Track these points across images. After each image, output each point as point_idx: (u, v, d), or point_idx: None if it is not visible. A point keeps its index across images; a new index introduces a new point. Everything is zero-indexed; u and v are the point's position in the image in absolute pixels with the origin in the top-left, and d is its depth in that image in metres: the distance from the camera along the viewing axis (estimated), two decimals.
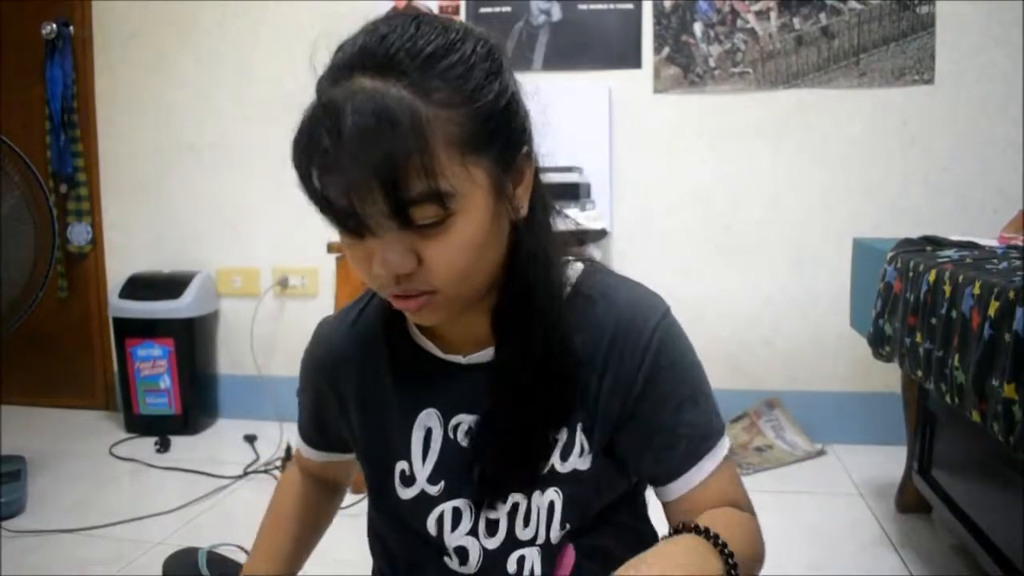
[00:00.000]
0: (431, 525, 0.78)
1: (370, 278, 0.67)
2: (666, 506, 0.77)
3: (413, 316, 0.71)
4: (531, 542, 0.76)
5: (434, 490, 0.78)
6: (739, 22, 2.50)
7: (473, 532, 0.77)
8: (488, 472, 0.75)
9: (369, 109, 0.59)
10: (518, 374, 0.73)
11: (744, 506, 0.77)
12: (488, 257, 0.69)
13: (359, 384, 0.83)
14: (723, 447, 0.76)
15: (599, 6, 2.57)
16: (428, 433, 0.79)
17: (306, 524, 0.95)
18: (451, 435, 0.78)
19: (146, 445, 2.59)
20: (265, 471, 2.34)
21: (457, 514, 0.78)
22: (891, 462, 2.17)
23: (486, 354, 0.77)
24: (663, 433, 0.75)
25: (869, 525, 1.94)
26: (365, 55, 0.63)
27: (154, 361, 2.71)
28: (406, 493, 0.79)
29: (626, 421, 0.75)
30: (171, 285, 2.73)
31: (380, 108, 0.59)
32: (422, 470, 0.79)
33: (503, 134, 0.66)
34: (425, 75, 0.62)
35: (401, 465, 0.80)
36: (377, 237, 0.64)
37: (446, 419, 0.78)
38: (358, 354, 0.83)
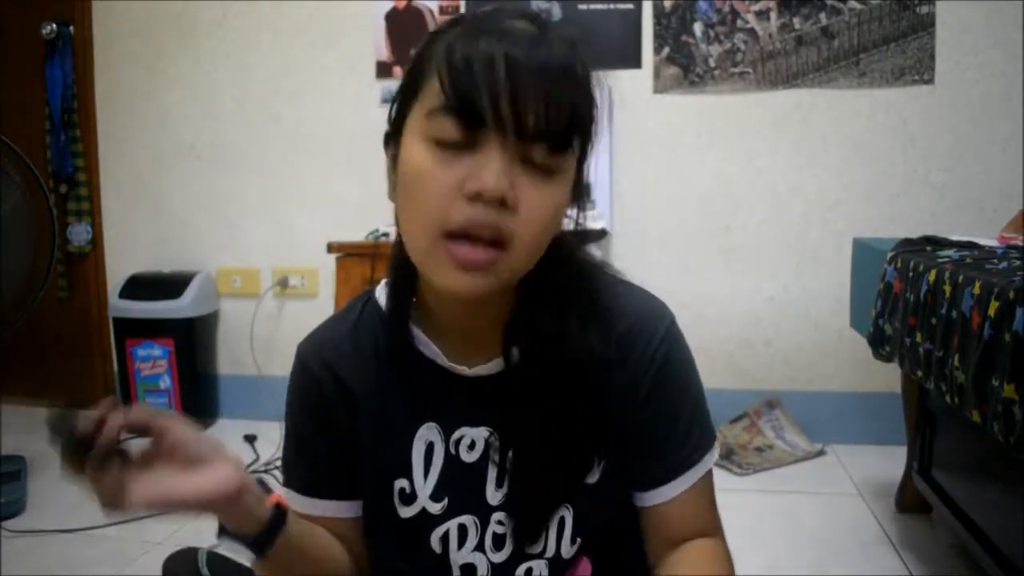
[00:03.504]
0: (435, 544, 0.76)
1: (457, 193, 0.62)
2: (640, 511, 0.78)
3: (471, 277, 0.63)
4: (539, 555, 0.75)
5: (437, 508, 0.76)
6: (739, 22, 2.50)
7: (480, 548, 0.76)
8: (523, 495, 0.73)
9: (568, 36, 0.65)
10: (539, 384, 0.71)
11: (712, 529, 0.77)
12: (548, 240, 0.68)
13: (363, 391, 0.78)
14: (709, 460, 0.77)
15: (599, 6, 2.57)
16: (429, 448, 0.76)
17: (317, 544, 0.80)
18: (452, 450, 0.76)
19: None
20: (265, 471, 2.34)
21: (463, 531, 0.76)
22: (891, 462, 2.17)
23: (492, 366, 0.74)
24: (657, 441, 0.75)
25: (869, 525, 1.94)
26: (524, 16, 0.66)
27: (154, 361, 2.71)
28: (406, 512, 0.76)
29: (626, 427, 0.75)
30: (171, 285, 2.73)
31: (574, 43, 0.65)
32: (424, 487, 0.76)
33: (592, 127, 0.69)
34: (578, 50, 0.66)
35: (400, 483, 0.76)
36: (492, 151, 0.62)
37: (447, 433, 0.76)
38: (360, 359, 0.78)
